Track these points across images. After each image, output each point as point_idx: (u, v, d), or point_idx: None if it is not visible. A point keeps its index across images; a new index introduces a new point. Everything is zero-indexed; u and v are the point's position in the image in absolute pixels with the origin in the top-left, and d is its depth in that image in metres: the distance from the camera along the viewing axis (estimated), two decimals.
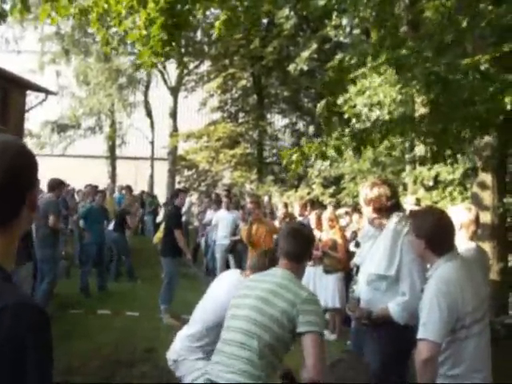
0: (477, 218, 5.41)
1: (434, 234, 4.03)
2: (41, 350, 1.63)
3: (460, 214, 5.34)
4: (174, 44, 7.74)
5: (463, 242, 5.18)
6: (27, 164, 1.84)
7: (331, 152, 7.79)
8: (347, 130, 9.21)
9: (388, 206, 4.84)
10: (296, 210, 12.08)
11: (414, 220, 4.28)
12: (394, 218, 4.82)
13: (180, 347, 5.04)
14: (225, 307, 4.55)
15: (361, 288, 4.99)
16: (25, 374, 1.57)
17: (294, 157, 8.07)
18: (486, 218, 9.55)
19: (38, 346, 1.62)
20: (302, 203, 12.15)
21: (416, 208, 9.14)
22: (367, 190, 4.92)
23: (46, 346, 1.67)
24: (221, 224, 13.98)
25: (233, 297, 4.26)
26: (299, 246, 4.24)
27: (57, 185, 10.43)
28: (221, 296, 4.84)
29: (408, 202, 10.48)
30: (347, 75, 9.75)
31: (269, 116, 32.45)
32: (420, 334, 3.77)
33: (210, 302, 4.99)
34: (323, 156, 7.90)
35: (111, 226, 13.98)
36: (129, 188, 19.42)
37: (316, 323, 3.79)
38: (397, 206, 4.97)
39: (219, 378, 3.84)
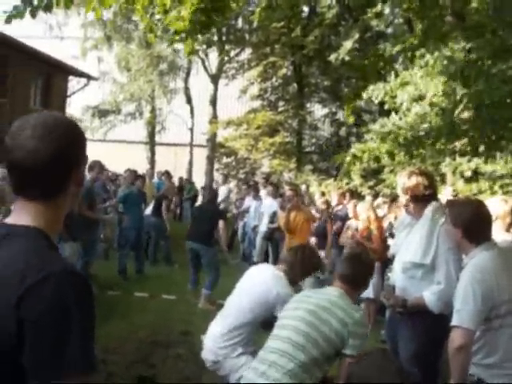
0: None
1: (471, 223, 4.03)
2: (84, 317, 1.69)
3: (496, 205, 5.30)
4: (213, 29, 7.76)
5: (499, 234, 5.14)
6: (76, 140, 1.92)
7: (384, 156, 7.78)
8: (390, 126, 9.14)
9: (425, 195, 4.85)
10: (334, 199, 12.07)
11: (451, 209, 4.27)
12: (431, 207, 4.82)
13: (217, 347, 4.99)
14: (263, 305, 4.60)
15: (396, 276, 5.00)
16: (68, 341, 1.63)
17: (348, 159, 8.11)
18: None
19: (81, 312, 1.67)
20: (340, 192, 12.13)
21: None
22: (405, 179, 4.93)
23: (89, 314, 1.73)
24: (264, 211, 14.09)
25: (283, 308, 4.35)
26: (355, 271, 4.29)
27: (94, 165, 10.50)
28: (258, 293, 4.86)
29: (446, 193, 10.39)
30: (385, 63, 9.69)
31: (308, 105, 32.29)
32: (454, 322, 3.78)
33: (247, 299, 4.95)
34: (376, 159, 7.91)
35: (148, 211, 14.15)
36: (168, 174, 19.52)
37: (359, 347, 3.90)
38: (434, 196, 4.97)
39: None
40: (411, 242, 4.84)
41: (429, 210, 4.82)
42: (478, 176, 15.35)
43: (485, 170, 15.25)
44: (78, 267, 9.88)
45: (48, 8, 5.98)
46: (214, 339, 5.04)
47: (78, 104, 33.12)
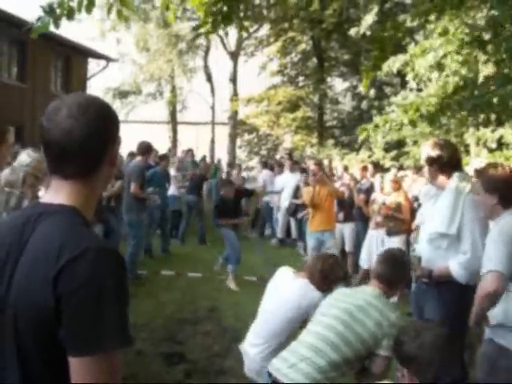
0: None
1: (507, 188, 4.01)
2: (119, 293, 1.74)
3: None
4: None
5: None
6: (109, 120, 1.98)
7: (406, 123, 7.72)
8: (412, 98, 9.07)
9: (449, 166, 4.81)
10: (356, 173, 12.06)
11: (484, 176, 4.23)
12: (456, 177, 4.79)
13: (259, 366, 4.80)
14: (294, 320, 4.58)
15: (422, 247, 4.98)
16: (103, 315, 1.68)
17: (371, 130, 8.07)
18: None
19: (116, 288, 1.73)
20: (362, 166, 12.11)
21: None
22: (429, 150, 4.90)
23: (123, 289, 1.77)
24: (285, 187, 14.10)
25: (319, 304, 4.34)
26: (392, 271, 4.28)
27: (146, 149, 10.57)
28: (286, 313, 4.75)
29: (473, 165, 10.30)
30: (404, 35, 9.58)
31: (329, 79, 32.11)
32: (487, 267, 3.79)
33: (276, 322, 4.79)
34: (398, 130, 7.86)
35: (171, 190, 14.34)
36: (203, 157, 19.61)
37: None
38: (458, 166, 4.93)
39: (284, 377, 3.90)
40: (436, 213, 4.81)
41: (453, 180, 4.78)
42: (502, 146, 15.24)
43: (510, 140, 15.13)
44: (128, 251, 10.05)
45: (70, 15, 5.89)
46: (254, 360, 4.92)
47: (98, 86, 33.26)
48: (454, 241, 4.66)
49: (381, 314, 3.96)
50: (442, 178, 4.86)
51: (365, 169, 11.85)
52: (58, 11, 5.83)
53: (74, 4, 5.89)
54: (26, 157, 6.21)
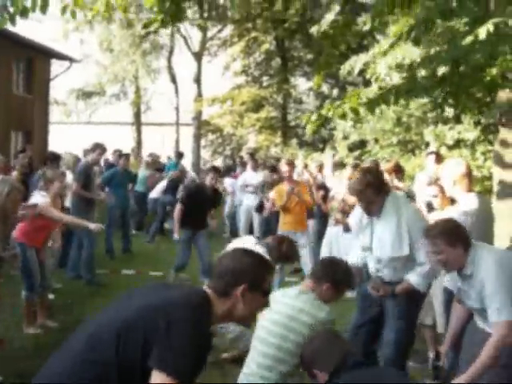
0: (468, 171, 5.44)
1: (457, 233, 4.13)
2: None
3: (450, 170, 5.41)
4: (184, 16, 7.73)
5: (462, 195, 5.27)
6: None
7: (348, 112, 7.83)
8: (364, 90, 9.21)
9: (378, 195, 4.96)
10: (313, 171, 12.22)
11: (441, 232, 4.10)
12: (388, 201, 4.95)
13: None
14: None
15: (375, 268, 5.11)
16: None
17: (313, 118, 8.13)
18: (509, 176, 9.45)
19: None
20: (318, 164, 12.32)
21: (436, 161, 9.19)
22: (354, 185, 5.07)
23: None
24: (248, 185, 14.11)
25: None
26: (319, 268, 4.47)
27: (96, 147, 10.51)
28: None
29: (430, 149, 10.47)
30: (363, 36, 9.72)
31: (292, 79, 32.30)
32: (505, 317, 3.81)
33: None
34: (342, 116, 7.95)
35: (156, 193, 15.24)
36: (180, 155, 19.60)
37: None
38: (386, 191, 5.04)
39: None
40: (382, 239, 4.95)
41: (389, 203, 4.95)
42: (460, 143, 15.49)
43: (467, 138, 15.38)
44: (83, 255, 9.97)
45: (24, 14, 6.00)
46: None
47: (61, 87, 33.01)
48: (407, 259, 4.86)
49: (311, 317, 4.10)
50: (374, 207, 4.98)
51: (321, 167, 12.05)
52: (12, 9, 5.93)
53: (28, 3, 5.97)
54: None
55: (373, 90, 8.80)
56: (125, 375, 2.43)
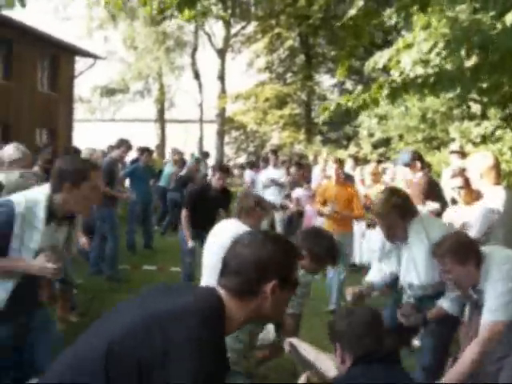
0: (496, 164, 5.27)
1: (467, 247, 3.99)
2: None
3: (477, 162, 5.25)
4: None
5: (488, 188, 5.11)
6: None
7: (366, 100, 7.71)
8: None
9: (409, 213, 4.68)
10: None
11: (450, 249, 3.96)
12: (414, 225, 4.64)
13: None
14: None
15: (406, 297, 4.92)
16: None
17: (332, 107, 8.06)
18: None
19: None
20: (334, 158, 12.11)
21: (460, 159, 8.99)
22: (380, 207, 4.75)
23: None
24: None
25: None
26: (304, 237, 4.43)
27: (121, 143, 10.50)
28: None
29: (452, 148, 10.31)
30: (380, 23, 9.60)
31: (317, 76, 32.18)
32: (502, 317, 3.72)
33: None
34: (361, 107, 7.84)
35: (163, 184, 15.17)
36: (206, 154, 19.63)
37: None
38: (412, 214, 4.73)
39: None
40: (412, 266, 4.68)
41: (418, 226, 4.63)
42: (486, 140, 15.29)
43: (494, 134, 15.19)
44: (107, 248, 9.96)
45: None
46: None
47: (85, 85, 33.20)
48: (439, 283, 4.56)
49: None
50: (401, 233, 4.67)
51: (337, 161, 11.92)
52: None
53: None
54: (14, 150, 6.02)
55: (395, 80, 8.68)
56: None
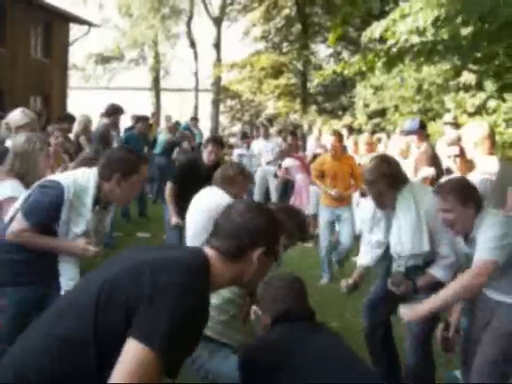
0: (491, 134, 5.26)
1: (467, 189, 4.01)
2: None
3: (472, 132, 5.25)
4: None
5: (482, 158, 5.12)
6: None
7: (362, 67, 7.70)
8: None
9: (399, 180, 4.59)
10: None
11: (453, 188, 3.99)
12: (406, 191, 4.55)
13: None
14: None
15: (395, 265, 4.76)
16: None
17: (326, 73, 8.06)
18: None
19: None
20: (333, 131, 12.08)
21: (454, 130, 8.98)
22: (367, 174, 4.67)
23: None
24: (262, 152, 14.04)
25: None
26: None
27: (111, 111, 10.39)
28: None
29: (446, 119, 10.30)
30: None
31: (313, 46, 31.97)
32: (493, 256, 3.73)
33: None
34: (356, 74, 7.84)
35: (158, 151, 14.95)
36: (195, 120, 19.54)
37: None
38: (403, 180, 4.64)
39: None
40: (400, 235, 4.57)
41: (407, 194, 4.55)
42: (482, 111, 15.28)
43: (489, 105, 15.18)
44: None
45: None
46: None
47: (80, 52, 33.00)
48: (429, 252, 4.51)
49: None
50: (389, 198, 4.59)
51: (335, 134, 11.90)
52: None
53: None
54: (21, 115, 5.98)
55: (391, 49, 8.66)
56: (104, 354, 2.09)
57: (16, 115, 6.09)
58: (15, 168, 4.52)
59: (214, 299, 3.90)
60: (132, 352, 1.98)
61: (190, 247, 2.77)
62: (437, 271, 4.48)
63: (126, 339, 2.00)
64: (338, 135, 8.85)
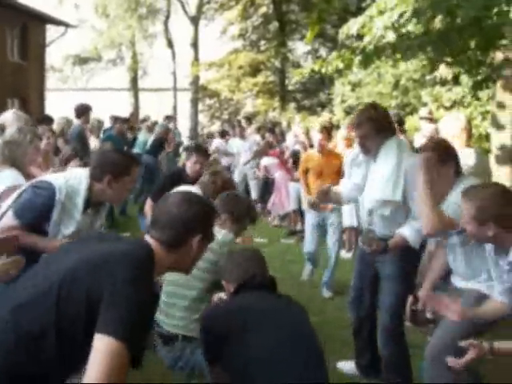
0: (467, 126, 5.37)
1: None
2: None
3: (450, 124, 5.34)
4: None
5: (459, 150, 5.18)
6: None
7: (339, 65, 7.76)
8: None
9: (384, 127, 4.62)
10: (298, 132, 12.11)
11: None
12: (393, 141, 4.60)
13: None
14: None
15: (364, 217, 4.86)
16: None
17: (305, 72, 8.12)
18: (506, 138, 9.42)
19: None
20: (320, 127, 12.09)
21: (429, 123, 9.06)
22: (358, 115, 4.75)
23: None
24: (241, 151, 14.08)
25: None
26: (223, 202, 4.53)
27: (81, 111, 10.39)
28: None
29: (421, 114, 10.39)
30: None
31: (290, 43, 32.06)
32: None
33: None
34: (334, 71, 7.90)
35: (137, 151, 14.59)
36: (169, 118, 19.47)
37: None
38: (391, 131, 4.68)
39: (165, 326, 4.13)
40: (375, 179, 4.61)
41: (391, 144, 4.58)
42: (458, 104, 15.41)
43: (464, 99, 15.31)
44: None
45: None
46: None
47: (57, 53, 32.81)
48: (398, 208, 4.53)
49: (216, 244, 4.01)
50: (374, 143, 4.61)
51: (323, 131, 11.93)
52: None
53: None
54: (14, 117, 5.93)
55: (367, 46, 8.72)
56: (65, 338, 2.24)
57: (8, 117, 6.08)
58: (4, 156, 4.55)
59: (184, 301, 4.07)
60: (102, 346, 2.10)
61: (134, 239, 2.88)
62: (407, 231, 4.48)
63: (94, 336, 2.12)
64: (325, 132, 8.50)
